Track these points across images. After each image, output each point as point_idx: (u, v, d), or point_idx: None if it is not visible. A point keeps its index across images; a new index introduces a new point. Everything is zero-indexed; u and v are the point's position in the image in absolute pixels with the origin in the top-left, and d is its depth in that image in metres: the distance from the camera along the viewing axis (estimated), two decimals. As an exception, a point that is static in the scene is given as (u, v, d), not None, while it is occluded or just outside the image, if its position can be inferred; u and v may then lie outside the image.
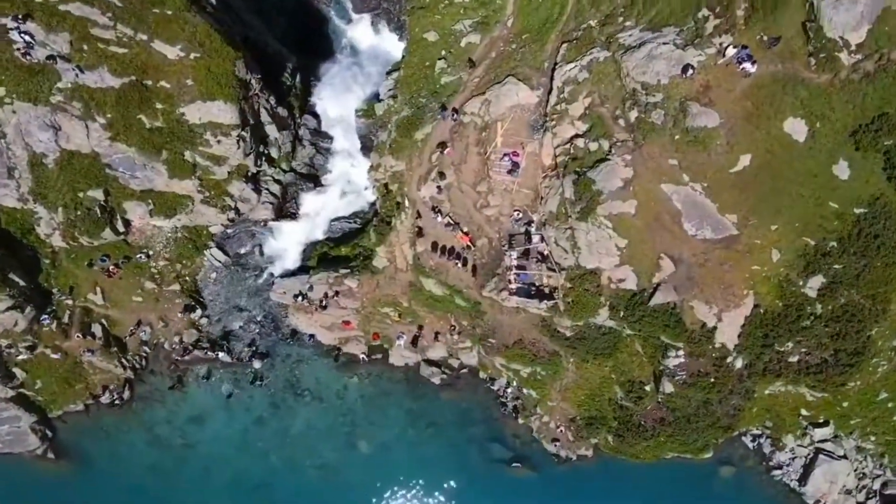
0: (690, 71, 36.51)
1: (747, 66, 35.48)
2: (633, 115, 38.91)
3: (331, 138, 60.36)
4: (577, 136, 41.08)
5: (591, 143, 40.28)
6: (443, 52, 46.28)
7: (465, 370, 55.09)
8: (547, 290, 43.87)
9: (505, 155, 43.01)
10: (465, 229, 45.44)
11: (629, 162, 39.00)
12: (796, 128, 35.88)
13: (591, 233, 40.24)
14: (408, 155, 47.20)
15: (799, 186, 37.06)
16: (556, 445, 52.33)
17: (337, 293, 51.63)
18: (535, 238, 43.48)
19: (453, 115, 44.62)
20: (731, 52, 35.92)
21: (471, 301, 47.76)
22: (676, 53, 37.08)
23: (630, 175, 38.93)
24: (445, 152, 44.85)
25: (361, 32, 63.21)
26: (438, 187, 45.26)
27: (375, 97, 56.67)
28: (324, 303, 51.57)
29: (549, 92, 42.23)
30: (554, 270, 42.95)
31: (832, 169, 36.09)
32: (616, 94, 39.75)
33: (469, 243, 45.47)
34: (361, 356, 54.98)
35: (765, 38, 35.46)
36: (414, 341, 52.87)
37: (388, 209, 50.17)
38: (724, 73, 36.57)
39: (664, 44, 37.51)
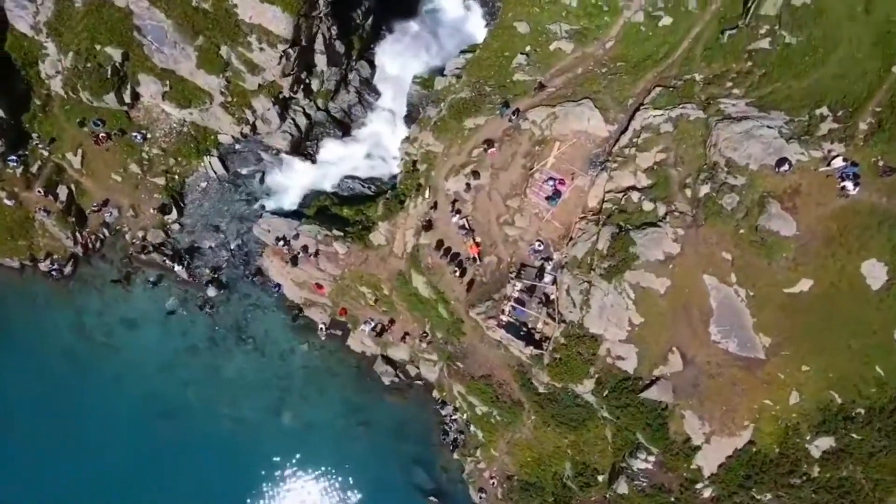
0: (786, 166, 31.88)
1: (849, 185, 30.82)
2: (704, 189, 34.31)
3: (378, 94, 56.16)
4: (634, 188, 36.50)
5: (648, 202, 35.69)
6: (527, 48, 41.78)
7: (419, 382, 50.74)
8: (538, 337, 39.22)
9: (550, 179, 38.45)
10: (478, 239, 40.83)
11: (680, 238, 34.40)
12: (875, 272, 31.21)
13: (610, 296, 35.60)
14: (450, 139, 42.65)
15: (851, 336, 32.30)
16: (481, 496, 47.62)
17: (319, 252, 47.08)
18: (548, 278, 38.82)
19: (513, 115, 40.04)
20: (837, 163, 31.31)
21: (454, 316, 43.14)
22: (778, 142, 32.46)
23: (675, 252, 34.32)
24: (489, 151, 40.29)
25: (451, 2, 59.05)
26: (468, 185, 40.69)
27: (440, 71, 52.23)
28: (300, 256, 46.85)
29: (623, 132, 37.67)
30: (553, 319, 38.33)
31: (895, 332, 31.40)
32: (694, 160, 35.15)
33: (476, 255, 40.86)
34: (321, 326, 50.51)
35: (881, 163, 30.82)
36: (380, 332, 48.38)
37: (408, 188, 45.61)
38: (821, 182, 31.92)
39: (768, 127, 32.90)
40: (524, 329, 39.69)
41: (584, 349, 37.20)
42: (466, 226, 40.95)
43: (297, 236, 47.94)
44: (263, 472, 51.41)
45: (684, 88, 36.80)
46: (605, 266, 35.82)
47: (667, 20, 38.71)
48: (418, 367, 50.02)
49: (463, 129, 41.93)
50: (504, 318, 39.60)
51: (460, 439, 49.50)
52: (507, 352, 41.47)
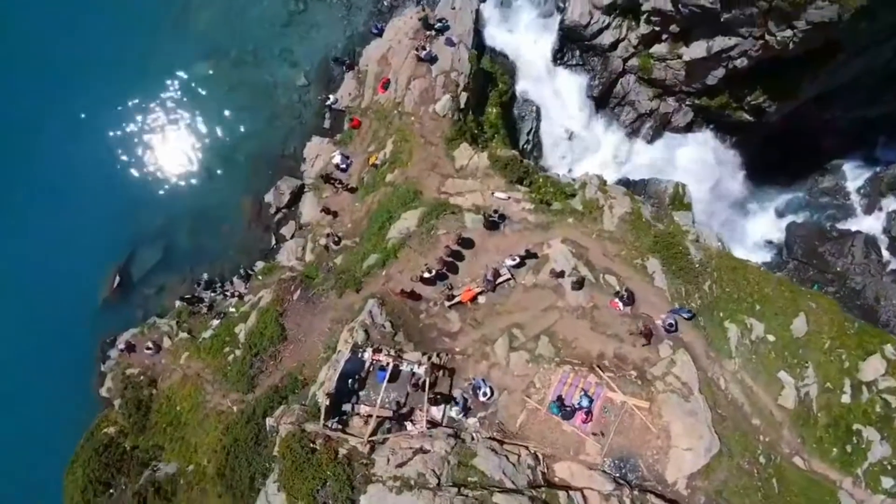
0: None
1: None
2: None
3: (650, 141, 42.47)
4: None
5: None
6: (770, 338, 27.79)
7: (283, 237, 37.83)
8: (345, 410, 25.57)
9: (590, 401, 24.75)
10: (482, 300, 27.35)
11: None
12: None
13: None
14: (622, 237, 28.96)
15: None
16: (127, 346, 34.54)
17: (430, 74, 33.64)
18: (436, 412, 25.34)
19: (673, 325, 26.33)
20: None
21: (364, 274, 29.69)
22: None
23: None
24: (616, 300, 26.59)
25: (762, 225, 45.89)
26: (561, 273, 27.06)
27: (693, 215, 38.91)
28: (418, 50, 34.00)
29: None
30: (373, 434, 24.64)
31: None
32: None
33: (458, 300, 27.37)
34: (335, 97, 37.69)
35: None
36: (328, 178, 35.12)
37: (543, 187, 31.66)
38: None
39: None
40: (354, 385, 26.02)
41: (334, 486, 23.57)
42: (497, 279, 27.40)
43: (452, 45, 34.40)
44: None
45: None
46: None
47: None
48: (293, 235, 36.71)
49: (641, 257, 28.18)
50: (367, 354, 26.01)
51: (208, 296, 36.23)
52: (322, 368, 28.02)
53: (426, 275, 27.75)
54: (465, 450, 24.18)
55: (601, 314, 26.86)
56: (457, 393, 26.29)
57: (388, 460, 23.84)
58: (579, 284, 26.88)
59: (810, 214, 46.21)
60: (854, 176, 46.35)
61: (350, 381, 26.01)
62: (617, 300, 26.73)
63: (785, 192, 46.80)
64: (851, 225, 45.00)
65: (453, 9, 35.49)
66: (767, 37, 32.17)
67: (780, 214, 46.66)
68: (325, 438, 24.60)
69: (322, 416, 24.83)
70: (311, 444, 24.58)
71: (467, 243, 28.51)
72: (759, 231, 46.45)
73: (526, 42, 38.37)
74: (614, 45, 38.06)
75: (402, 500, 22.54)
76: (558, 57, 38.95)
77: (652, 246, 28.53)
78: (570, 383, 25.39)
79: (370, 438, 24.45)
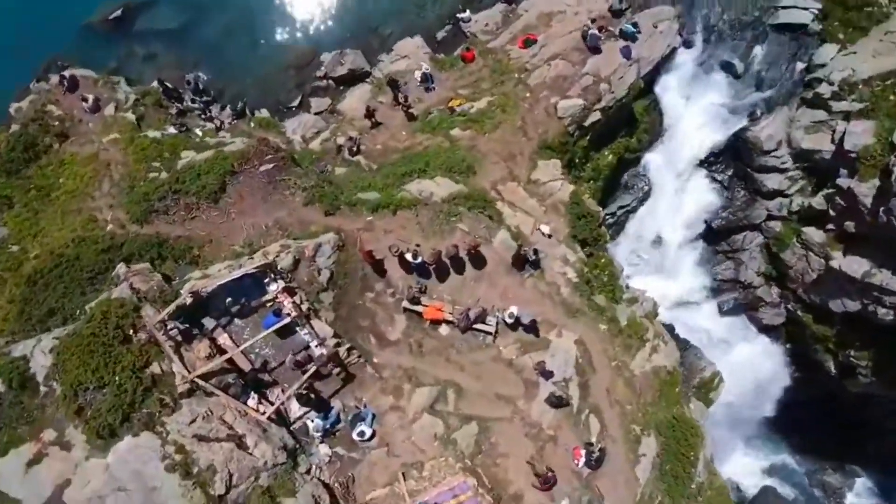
0: None
1: None
2: None
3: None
4: None
5: None
6: None
7: (311, 112, 30.31)
8: (199, 328, 18.59)
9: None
10: (448, 323, 20.32)
11: None
12: None
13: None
14: (645, 389, 21.61)
15: None
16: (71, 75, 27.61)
17: (573, 67, 26.41)
18: (294, 409, 18.35)
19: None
20: None
21: (345, 203, 22.64)
22: None
23: None
24: (584, 451, 19.32)
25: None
26: (548, 374, 19.79)
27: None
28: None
29: None
30: (201, 378, 17.60)
31: None
32: None
33: (425, 314, 20.29)
34: (475, 18, 30.40)
35: None
36: (396, 88, 28.07)
37: (598, 277, 24.38)
38: None
39: None
40: (234, 306, 19.05)
41: (107, 402, 16.52)
42: (478, 324, 20.31)
43: (626, 57, 27.30)
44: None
45: None
46: None
47: None
48: (320, 113, 29.65)
49: (643, 428, 20.91)
50: (276, 287, 19.09)
51: (189, 100, 29.45)
52: (224, 261, 21.01)
53: (408, 256, 20.64)
54: (288, 480, 17.11)
55: (555, 452, 19.67)
56: (335, 405, 19.31)
57: (193, 422, 16.77)
58: (557, 402, 19.72)
59: (793, 496, 39.32)
60: (861, 492, 39.47)
61: (233, 300, 19.01)
62: (583, 452, 19.57)
63: (789, 456, 39.94)
64: (821, 532, 38.23)
65: (654, 27, 28.39)
66: (941, 311, 25.03)
67: (768, 473, 39.70)
68: (149, 339, 17.57)
69: (167, 311, 17.80)
70: (131, 332, 17.57)
71: (478, 260, 21.34)
72: (737, 470, 39.22)
73: (692, 120, 31.08)
74: (772, 195, 30.79)
75: (153, 479, 15.45)
76: (710, 159, 31.72)
77: (664, 424, 21.34)
78: (459, 501, 18.25)
79: (198, 378, 17.40)
